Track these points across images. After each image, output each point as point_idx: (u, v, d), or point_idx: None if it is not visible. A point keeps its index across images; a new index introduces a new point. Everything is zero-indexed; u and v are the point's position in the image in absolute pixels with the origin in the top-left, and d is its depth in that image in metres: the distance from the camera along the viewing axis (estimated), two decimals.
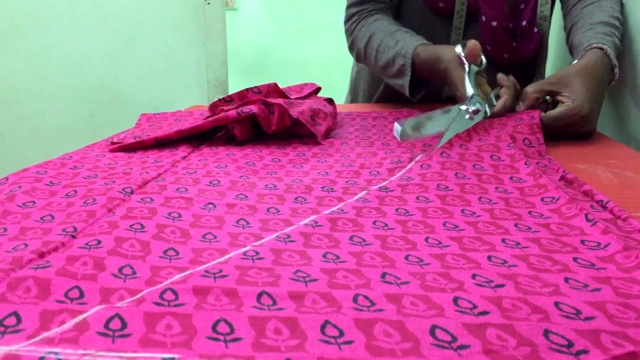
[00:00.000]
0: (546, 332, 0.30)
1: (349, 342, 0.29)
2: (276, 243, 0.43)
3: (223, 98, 0.89)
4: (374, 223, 0.48)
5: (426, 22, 1.08)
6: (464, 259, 0.41)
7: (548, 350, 0.28)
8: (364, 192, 0.56)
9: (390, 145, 0.80)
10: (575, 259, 0.40)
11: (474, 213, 0.51)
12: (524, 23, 1.05)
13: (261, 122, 0.80)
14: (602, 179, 0.64)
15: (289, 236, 0.44)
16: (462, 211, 0.51)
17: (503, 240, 0.44)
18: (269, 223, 0.49)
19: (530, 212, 0.51)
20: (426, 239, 0.45)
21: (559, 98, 0.82)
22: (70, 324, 0.31)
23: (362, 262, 0.40)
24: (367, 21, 1.07)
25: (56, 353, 0.28)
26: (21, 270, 0.38)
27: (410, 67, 0.95)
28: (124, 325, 0.31)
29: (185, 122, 0.93)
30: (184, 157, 0.74)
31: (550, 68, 1.27)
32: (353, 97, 1.33)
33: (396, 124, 0.74)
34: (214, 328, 0.31)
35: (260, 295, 0.34)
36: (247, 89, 0.89)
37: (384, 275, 0.38)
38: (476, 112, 0.75)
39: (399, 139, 0.69)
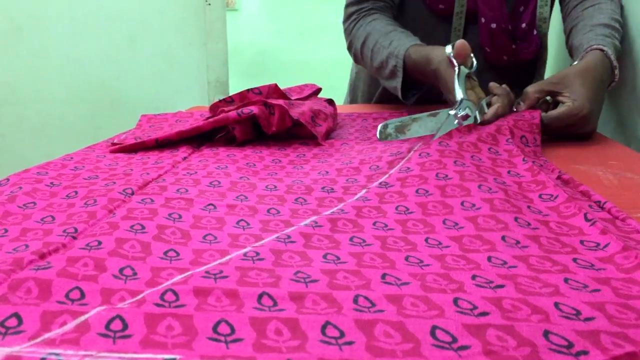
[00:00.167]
0: (546, 333, 0.30)
1: (350, 343, 0.29)
2: (276, 244, 0.43)
3: (224, 99, 0.89)
4: (374, 224, 0.48)
5: (426, 24, 1.08)
6: (464, 259, 0.41)
7: (548, 350, 0.28)
8: (364, 191, 0.56)
9: (390, 145, 0.80)
10: (574, 260, 0.40)
11: (474, 205, 0.50)
12: (523, 25, 1.04)
13: (262, 123, 0.80)
14: (602, 180, 0.64)
15: (289, 237, 0.44)
16: (462, 203, 0.51)
17: (503, 238, 0.44)
18: (269, 224, 0.49)
19: (529, 207, 0.51)
20: (426, 240, 0.45)
21: (560, 98, 0.82)
22: (71, 325, 0.31)
23: (362, 263, 0.40)
24: (365, 20, 1.06)
25: (57, 354, 0.28)
26: (22, 271, 0.38)
27: (402, 69, 0.93)
28: (125, 326, 0.31)
29: (185, 123, 0.93)
30: (185, 158, 0.74)
31: (550, 70, 1.27)
32: (352, 98, 1.32)
33: (380, 125, 0.71)
34: (214, 329, 0.31)
35: (260, 296, 0.34)
36: (247, 90, 0.89)
37: (384, 276, 0.38)
38: (465, 117, 0.72)
39: (378, 138, 0.67)
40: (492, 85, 0.82)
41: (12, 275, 0.37)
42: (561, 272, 0.38)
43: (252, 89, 0.89)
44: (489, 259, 0.40)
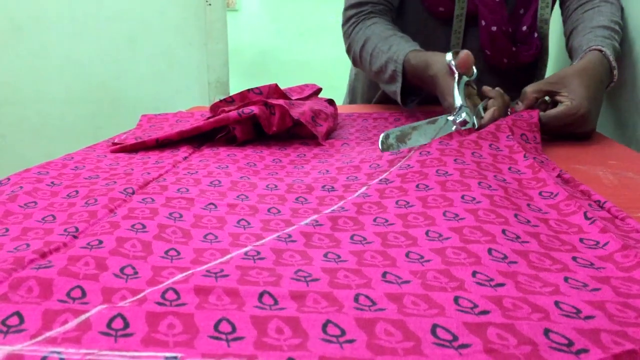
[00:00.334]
0: (546, 331, 0.30)
1: (351, 341, 0.29)
2: (277, 243, 0.43)
3: (224, 99, 0.90)
4: (374, 220, 0.48)
5: (425, 26, 1.08)
6: (464, 252, 0.41)
7: (548, 349, 0.28)
8: (364, 188, 0.56)
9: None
10: (574, 258, 0.40)
11: (474, 199, 0.50)
12: (524, 28, 1.04)
13: (262, 123, 0.81)
14: (602, 180, 0.64)
15: (290, 236, 0.44)
16: (462, 197, 0.51)
17: (503, 232, 0.44)
18: (270, 223, 0.49)
19: (529, 205, 0.51)
20: (427, 233, 0.45)
21: (558, 98, 0.82)
22: (72, 323, 0.31)
23: (362, 261, 0.40)
24: (365, 24, 1.05)
25: (59, 352, 0.28)
26: (23, 270, 0.38)
27: (401, 74, 0.92)
28: (126, 324, 0.31)
29: (186, 123, 0.94)
30: (185, 158, 0.74)
31: (551, 72, 1.27)
32: (351, 100, 1.32)
33: (381, 136, 0.70)
34: (216, 327, 0.31)
35: (261, 295, 0.34)
36: (248, 90, 0.89)
37: (384, 274, 0.38)
38: (463, 123, 0.72)
39: (381, 150, 0.67)
40: (486, 88, 0.82)
41: (13, 274, 0.37)
42: (561, 271, 0.38)
43: (252, 89, 0.89)
44: (490, 251, 0.40)
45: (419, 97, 1.01)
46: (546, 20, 1.06)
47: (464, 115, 0.73)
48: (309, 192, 0.58)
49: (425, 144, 0.65)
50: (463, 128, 0.72)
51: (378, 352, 0.29)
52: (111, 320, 0.31)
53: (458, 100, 0.76)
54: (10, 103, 1.96)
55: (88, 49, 1.92)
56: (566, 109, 0.79)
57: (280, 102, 0.82)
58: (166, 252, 0.42)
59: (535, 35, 1.06)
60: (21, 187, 0.58)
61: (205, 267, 0.38)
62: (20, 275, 0.36)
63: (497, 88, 0.82)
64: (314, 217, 0.49)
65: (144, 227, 0.46)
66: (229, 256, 0.41)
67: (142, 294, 0.34)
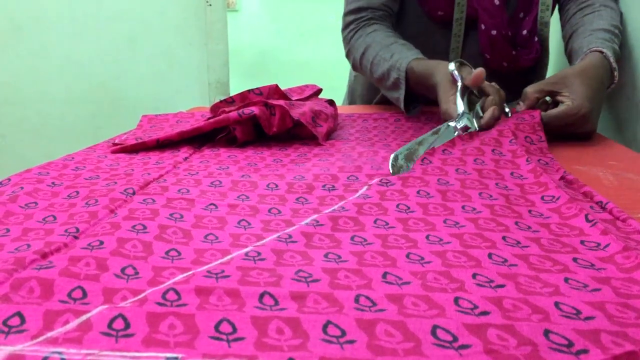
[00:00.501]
0: (546, 332, 0.30)
1: (351, 342, 0.29)
2: (278, 243, 0.43)
3: (224, 99, 0.90)
4: (375, 222, 0.48)
5: (425, 30, 1.08)
6: (464, 256, 0.41)
7: (548, 349, 0.29)
8: (365, 188, 0.56)
9: (390, 146, 0.80)
10: (575, 259, 0.40)
11: (475, 209, 0.51)
12: (524, 32, 1.04)
13: (262, 123, 0.81)
14: (602, 181, 0.64)
15: (290, 236, 0.44)
16: (463, 207, 0.51)
17: (504, 238, 0.44)
18: (270, 224, 0.49)
19: (530, 211, 0.51)
20: (427, 237, 0.45)
21: (559, 98, 0.82)
22: (73, 324, 0.31)
23: (363, 262, 0.40)
24: (365, 31, 1.05)
25: (60, 353, 0.28)
26: (24, 270, 0.38)
27: (405, 81, 0.93)
28: (127, 325, 0.31)
29: (186, 124, 0.94)
30: (186, 159, 0.74)
31: (551, 74, 1.27)
32: (350, 102, 1.32)
33: (391, 158, 0.69)
34: (216, 328, 0.31)
35: (262, 295, 0.35)
36: (248, 91, 0.89)
37: (385, 275, 0.38)
38: (465, 129, 0.72)
39: (391, 173, 0.67)
40: (483, 84, 0.81)
41: (14, 274, 0.37)
42: (561, 271, 0.38)
43: (252, 90, 0.89)
44: (490, 255, 0.41)
45: (421, 103, 1.01)
46: (546, 23, 1.06)
47: (465, 121, 0.74)
48: (310, 191, 0.58)
49: (428, 151, 0.65)
50: (465, 133, 0.72)
51: (378, 352, 0.29)
52: (112, 320, 0.31)
53: (460, 107, 0.76)
54: (11, 103, 1.96)
55: (88, 49, 1.92)
56: (567, 108, 0.79)
57: (281, 102, 0.82)
58: (167, 253, 0.42)
59: (536, 39, 1.06)
60: (22, 188, 0.58)
61: (206, 267, 0.38)
62: (21, 276, 0.36)
63: (492, 83, 0.81)
64: (315, 216, 0.49)
65: (145, 227, 0.46)
66: (229, 257, 0.41)
67: (143, 295, 0.34)
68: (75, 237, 0.45)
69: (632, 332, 0.30)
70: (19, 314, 0.32)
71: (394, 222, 0.48)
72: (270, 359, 0.28)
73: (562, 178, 0.61)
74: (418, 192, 0.55)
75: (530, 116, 0.77)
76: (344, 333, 0.30)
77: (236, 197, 0.57)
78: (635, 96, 0.98)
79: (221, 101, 0.90)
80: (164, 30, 1.92)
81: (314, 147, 0.81)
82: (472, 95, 0.81)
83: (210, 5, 1.88)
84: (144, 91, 1.95)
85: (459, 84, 0.79)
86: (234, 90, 1.25)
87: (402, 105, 0.96)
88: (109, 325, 0.30)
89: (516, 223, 0.47)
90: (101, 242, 0.42)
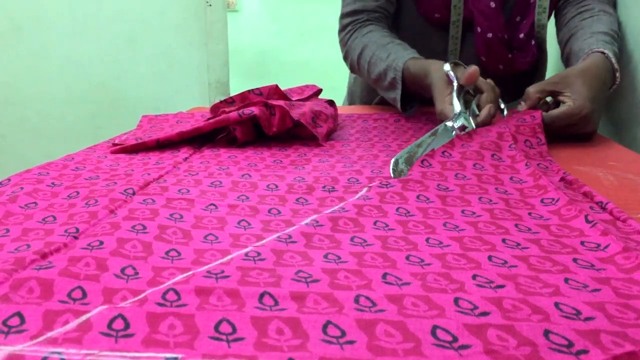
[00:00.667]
0: (546, 332, 0.30)
1: (351, 342, 0.29)
2: (277, 244, 0.43)
3: (224, 100, 0.90)
4: (374, 223, 0.48)
5: (422, 32, 1.08)
6: (464, 258, 0.41)
7: (548, 350, 0.29)
8: (365, 190, 0.56)
9: (391, 147, 0.80)
10: (575, 260, 0.40)
11: (474, 213, 0.51)
12: (521, 36, 1.04)
13: (262, 123, 0.81)
14: (602, 181, 0.64)
15: (290, 237, 0.44)
16: (463, 211, 0.51)
17: (503, 241, 0.44)
18: (270, 224, 0.49)
19: (530, 214, 0.51)
20: (427, 240, 0.45)
21: (561, 98, 0.82)
22: (73, 324, 0.31)
23: (363, 263, 0.40)
24: (361, 32, 1.05)
25: (59, 353, 0.28)
26: (24, 270, 0.38)
27: (401, 81, 0.92)
28: (127, 325, 0.31)
29: (186, 124, 0.94)
30: (186, 159, 0.74)
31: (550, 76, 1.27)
32: (350, 104, 1.32)
33: (391, 162, 0.68)
34: (216, 328, 0.31)
35: (262, 295, 0.35)
36: (248, 91, 0.89)
37: (385, 275, 0.38)
38: (462, 128, 0.72)
39: (392, 177, 0.66)
40: (479, 80, 0.80)
41: (14, 274, 0.37)
42: (561, 272, 0.38)
43: (252, 90, 0.89)
44: (490, 258, 0.41)
45: (418, 103, 1.01)
46: (543, 25, 1.05)
47: (462, 120, 0.73)
48: (310, 192, 0.58)
49: (427, 153, 0.65)
50: (462, 133, 0.72)
51: (378, 353, 0.29)
52: (112, 320, 0.31)
53: (457, 107, 0.76)
54: (11, 103, 1.96)
55: (88, 49, 1.92)
56: (569, 109, 0.79)
57: (281, 103, 0.82)
58: (167, 253, 0.42)
59: (533, 42, 1.05)
60: (22, 188, 0.58)
61: (205, 267, 0.38)
62: (21, 276, 0.36)
63: (488, 80, 0.81)
64: (314, 217, 0.49)
65: (145, 227, 0.46)
66: (229, 257, 0.41)
67: (142, 295, 0.34)
68: (75, 238, 0.45)
69: (632, 332, 0.30)
70: (18, 314, 0.32)
71: (394, 225, 0.48)
72: (270, 359, 0.28)
73: (562, 179, 0.61)
74: (418, 197, 0.55)
75: (531, 117, 0.77)
76: (343, 333, 0.30)
77: (236, 198, 0.57)
78: (635, 97, 0.98)
79: (221, 101, 0.90)
80: (164, 30, 1.92)
81: (313, 147, 0.81)
82: (467, 94, 0.81)
83: (210, 5, 1.88)
84: (144, 91, 1.95)
85: (455, 84, 0.79)
86: (234, 91, 1.25)
87: (398, 105, 0.95)
88: (109, 326, 0.30)
89: (516, 225, 0.48)
90: (101, 242, 0.42)
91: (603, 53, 0.85)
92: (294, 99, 0.93)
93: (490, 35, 1.02)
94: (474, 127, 0.73)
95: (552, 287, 0.36)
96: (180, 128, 0.86)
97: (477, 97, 0.79)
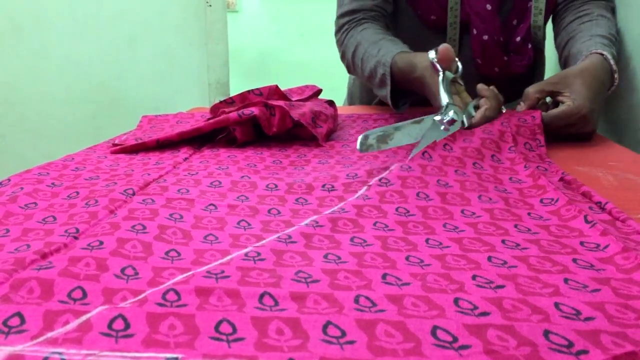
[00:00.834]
0: (546, 333, 0.30)
1: (351, 342, 0.29)
2: (277, 244, 0.43)
3: (224, 100, 0.90)
4: (374, 224, 0.48)
5: (419, 35, 1.07)
6: (464, 259, 0.41)
7: (548, 350, 0.29)
8: (364, 189, 0.56)
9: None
10: (574, 260, 0.40)
11: (474, 213, 0.51)
12: (517, 39, 1.03)
13: (262, 124, 0.81)
14: (602, 181, 0.64)
15: (290, 237, 0.44)
16: (462, 211, 0.51)
17: (503, 242, 0.44)
18: (270, 224, 0.49)
19: (529, 214, 0.51)
20: (426, 240, 0.45)
21: (560, 98, 0.82)
22: (73, 324, 0.31)
23: (363, 263, 0.40)
24: (356, 30, 1.04)
25: (60, 353, 0.28)
26: (24, 271, 0.38)
27: (390, 76, 0.90)
28: (127, 325, 0.31)
29: (186, 124, 0.94)
30: (186, 159, 0.74)
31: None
32: (350, 104, 1.32)
33: (360, 136, 0.66)
34: (216, 328, 0.31)
35: (262, 296, 0.35)
36: (248, 91, 0.89)
37: (384, 276, 0.38)
38: (451, 122, 0.69)
39: (359, 150, 0.64)
40: (480, 87, 0.79)
41: (14, 275, 0.37)
42: (561, 272, 0.38)
43: (252, 90, 0.89)
44: (489, 258, 0.41)
45: (410, 99, 0.99)
46: (539, 27, 1.05)
47: (451, 113, 0.70)
48: (309, 192, 0.58)
49: (428, 146, 0.64)
50: (451, 127, 0.69)
51: (378, 353, 0.29)
52: (112, 321, 0.31)
53: (444, 99, 0.73)
54: (11, 103, 1.96)
55: (88, 49, 1.92)
56: (568, 108, 0.79)
57: (281, 103, 0.82)
58: (167, 253, 0.42)
59: (530, 46, 1.05)
60: (22, 188, 0.58)
61: (205, 268, 0.38)
62: (21, 276, 0.36)
63: (491, 87, 0.79)
64: (314, 217, 0.49)
65: (145, 227, 0.46)
66: (229, 257, 0.41)
67: (142, 295, 0.34)
68: (75, 238, 0.45)
69: (632, 332, 0.30)
70: (18, 314, 0.32)
71: (394, 225, 0.48)
72: (270, 359, 0.28)
73: (561, 179, 0.61)
74: (417, 194, 0.54)
75: (531, 117, 0.77)
76: (344, 333, 0.30)
77: (236, 198, 0.57)
78: (635, 97, 0.98)
79: (221, 102, 0.90)
80: (164, 30, 1.91)
81: (313, 147, 0.81)
82: (459, 85, 0.79)
83: (210, 5, 1.88)
84: (144, 91, 1.95)
85: (441, 74, 0.77)
86: (234, 91, 1.25)
87: (389, 102, 0.94)
88: (109, 326, 0.30)
89: (515, 226, 0.48)
90: (101, 242, 0.42)
91: (601, 54, 0.85)
92: (294, 99, 0.93)
93: (486, 37, 1.02)
94: (465, 123, 0.71)
95: (551, 288, 0.36)
96: (180, 128, 0.86)
97: (477, 99, 0.78)
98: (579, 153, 0.77)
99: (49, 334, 0.30)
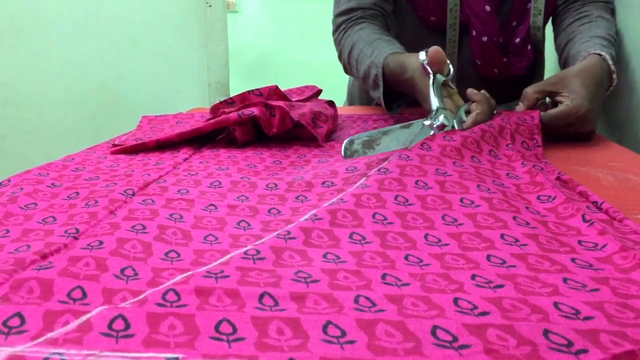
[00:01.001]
0: (546, 332, 0.30)
1: (351, 342, 0.29)
2: (276, 240, 0.43)
3: (224, 100, 0.90)
4: (373, 216, 0.48)
5: (420, 35, 1.07)
6: (463, 258, 0.41)
7: (548, 349, 0.29)
8: (363, 179, 0.56)
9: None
10: (573, 260, 0.40)
11: (473, 202, 0.50)
12: (517, 40, 1.03)
13: (262, 124, 0.81)
14: (602, 182, 0.64)
15: (289, 232, 0.44)
16: (461, 200, 0.51)
17: (502, 236, 0.44)
18: (270, 224, 0.49)
19: (527, 208, 0.51)
20: (425, 236, 0.45)
21: (559, 98, 0.82)
22: (73, 324, 0.31)
23: (362, 263, 0.40)
24: (353, 30, 1.03)
25: (60, 354, 0.28)
26: (24, 271, 0.38)
27: (382, 78, 0.89)
28: (128, 325, 0.31)
29: (186, 124, 0.94)
30: (185, 159, 0.74)
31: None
32: (350, 104, 1.32)
33: (345, 141, 0.64)
34: (216, 328, 0.31)
35: (262, 296, 0.35)
36: (248, 91, 0.89)
37: (384, 276, 0.38)
38: (441, 127, 0.67)
39: (343, 156, 0.61)
40: (470, 91, 0.77)
41: (14, 275, 0.37)
42: (560, 272, 0.38)
43: (252, 91, 0.89)
44: (488, 257, 0.41)
45: (406, 101, 0.99)
46: (538, 28, 1.05)
47: (441, 118, 0.69)
48: (309, 189, 0.58)
49: (427, 138, 0.64)
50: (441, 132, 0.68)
51: (378, 352, 0.29)
52: (112, 321, 0.31)
53: (434, 103, 0.71)
54: (11, 104, 1.96)
55: (88, 49, 1.92)
56: (567, 108, 0.79)
57: (281, 103, 0.82)
58: (166, 254, 0.42)
59: (529, 47, 1.05)
60: (21, 189, 0.58)
61: (205, 268, 0.38)
62: (21, 277, 0.37)
63: (482, 91, 0.77)
64: (313, 211, 0.49)
65: (144, 228, 0.46)
66: (228, 256, 0.41)
67: (142, 295, 0.34)
68: (75, 238, 0.45)
69: (631, 331, 0.30)
70: (18, 315, 0.32)
71: (393, 217, 0.48)
72: (270, 359, 0.28)
73: (557, 178, 0.61)
74: (416, 182, 0.54)
75: (530, 117, 0.77)
76: (344, 333, 0.30)
77: (236, 198, 0.57)
78: (633, 100, 0.98)
79: (221, 102, 0.90)
80: (164, 31, 1.91)
81: (313, 148, 0.81)
82: (450, 88, 0.78)
83: (210, 6, 1.88)
84: (144, 92, 1.95)
85: (431, 77, 0.75)
86: (234, 91, 1.25)
87: (382, 103, 0.93)
88: (109, 326, 0.30)
89: (514, 218, 0.47)
90: (101, 242, 0.42)
91: (600, 55, 0.86)
92: (294, 99, 0.93)
93: (485, 38, 1.02)
94: (456, 127, 0.70)
95: (551, 287, 0.36)
96: (180, 129, 0.86)
97: (468, 103, 0.76)
98: (578, 153, 0.77)
99: (49, 335, 0.30)
